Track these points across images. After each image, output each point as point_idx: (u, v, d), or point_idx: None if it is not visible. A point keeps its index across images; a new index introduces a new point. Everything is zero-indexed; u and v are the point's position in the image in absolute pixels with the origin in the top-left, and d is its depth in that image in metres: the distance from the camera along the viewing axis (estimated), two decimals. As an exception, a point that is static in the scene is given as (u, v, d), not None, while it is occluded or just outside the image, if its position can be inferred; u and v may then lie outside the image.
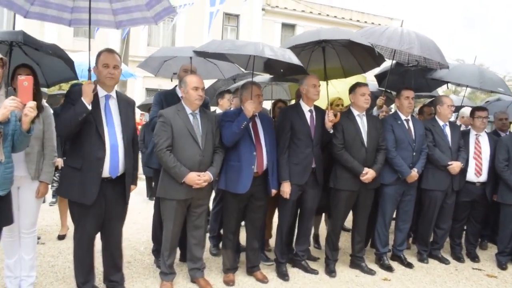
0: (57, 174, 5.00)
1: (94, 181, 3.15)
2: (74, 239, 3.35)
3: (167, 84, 4.66)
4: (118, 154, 3.26)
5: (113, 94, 3.36)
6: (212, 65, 4.77)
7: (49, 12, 3.64)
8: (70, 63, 3.89)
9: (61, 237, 5.07)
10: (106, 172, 3.21)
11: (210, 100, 6.67)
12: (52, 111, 3.63)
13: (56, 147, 3.55)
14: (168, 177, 3.56)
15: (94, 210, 3.22)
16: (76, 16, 3.78)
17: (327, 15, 22.39)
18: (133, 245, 4.94)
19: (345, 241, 5.12)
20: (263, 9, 21.37)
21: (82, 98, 3.06)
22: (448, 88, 6.07)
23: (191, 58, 4.25)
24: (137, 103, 6.67)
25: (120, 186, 3.36)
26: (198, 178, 3.51)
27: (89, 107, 3.07)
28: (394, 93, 5.69)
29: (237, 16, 20.85)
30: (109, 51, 3.31)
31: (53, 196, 6.79)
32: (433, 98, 6.55)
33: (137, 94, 17.25)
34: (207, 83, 6.07)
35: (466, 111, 6.07)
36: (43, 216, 5.68)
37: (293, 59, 3.53)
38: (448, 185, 4.72)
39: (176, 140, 3.53)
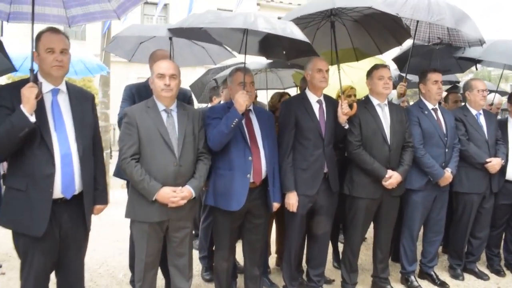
0: None
1: (43, 205, 2.36)
2: (20, 279, 2.50)
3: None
4: (72, 167, 2.46)
5: (63, 87, 2.54)
6: (199, 48, 3.93)
7: None
8: (1, 48, 3.04)
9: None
10: (58, 192, 2.42)
11: (198, 96, 5.84)
12: None
13: None
14: (137, 194, 2.75)
15: (45, 242, 2.42)
16: (16, 8, 3.00)
17: (323, 8, 21.69)
18: (111, 272, 4.14)
19: (363, 254, 4.31)
20: (258, 4, 20.57)
21: (22, 107, 2.26)
22: (477, 69, 5.21)
23: (170, 39, 3.45)
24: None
25: (79, 207, 2.56)
26: (173, 195, 2.69)
27: (33, 119, 2.27)
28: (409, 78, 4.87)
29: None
30: (53, 30, 2.48)
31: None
32: (453, 84, 5.81)
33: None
34: (193, 71, 5.16)
35: (493, 98, 5.27)
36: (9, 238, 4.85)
37: (297, 33, 2.69)
38: (485, 187, 3.95)
39: (143, 146, 2.72)
